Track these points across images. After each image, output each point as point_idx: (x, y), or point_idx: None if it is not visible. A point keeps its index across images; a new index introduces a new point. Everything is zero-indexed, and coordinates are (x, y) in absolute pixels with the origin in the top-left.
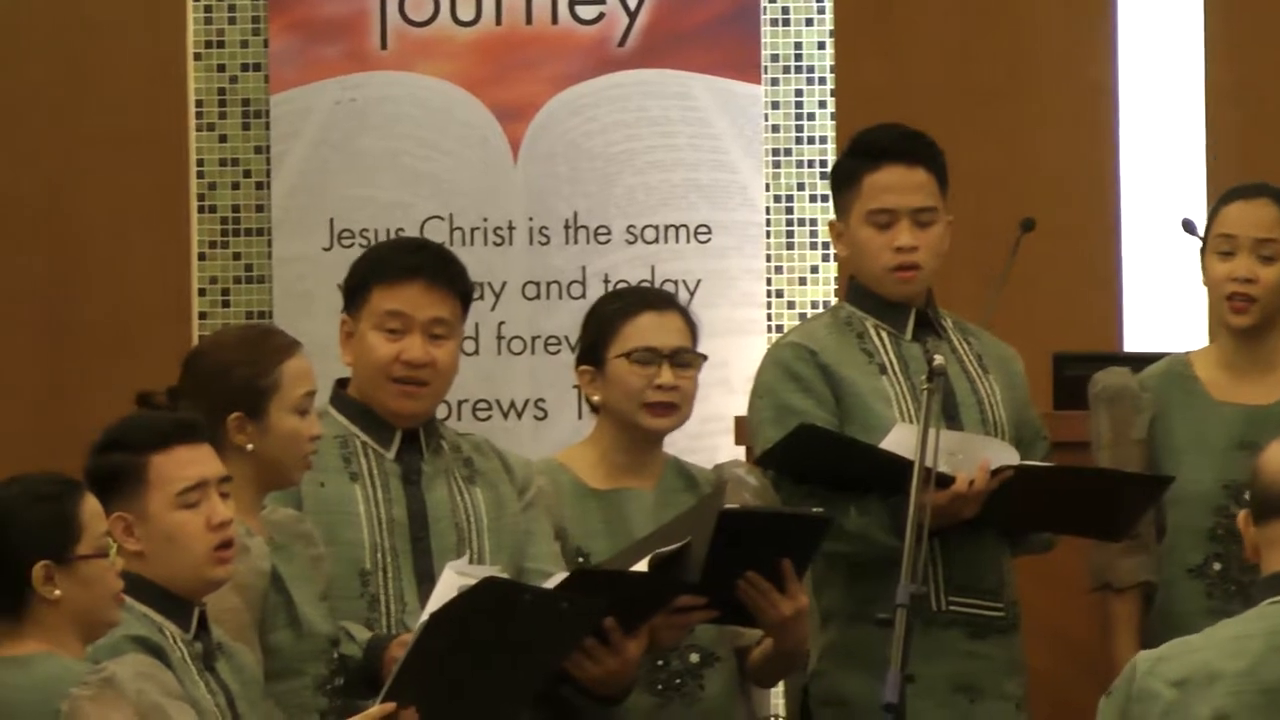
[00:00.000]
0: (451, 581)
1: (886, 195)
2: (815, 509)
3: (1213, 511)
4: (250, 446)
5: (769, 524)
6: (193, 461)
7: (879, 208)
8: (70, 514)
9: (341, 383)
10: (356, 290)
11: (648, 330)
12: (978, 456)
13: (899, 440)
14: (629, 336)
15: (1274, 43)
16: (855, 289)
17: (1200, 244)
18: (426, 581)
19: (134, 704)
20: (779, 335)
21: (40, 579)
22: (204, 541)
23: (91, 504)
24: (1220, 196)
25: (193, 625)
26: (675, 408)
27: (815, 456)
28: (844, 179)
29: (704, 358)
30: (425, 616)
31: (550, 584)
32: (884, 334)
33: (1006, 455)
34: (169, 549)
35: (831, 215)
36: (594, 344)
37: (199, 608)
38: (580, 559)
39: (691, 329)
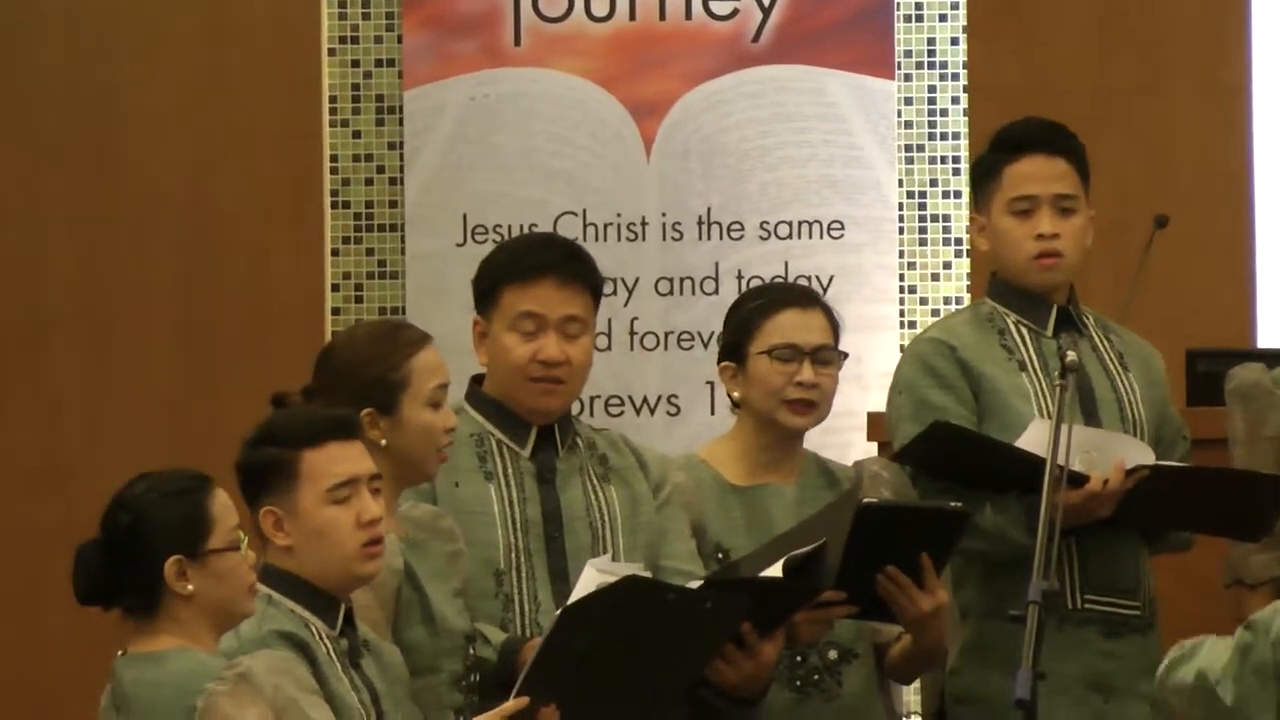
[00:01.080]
0: (592, 579)
1: (1028, 183)
2: (954, 503)
3: None
4: (383, 442)
5: (908, 518)
6: (345, 458)
7: (1020, 194)
8: (201, 509)
9: (477, 379)
10: (487, 291)
11: (789, 327)
12: (1113, 455)
13: (1035, 437)
14: (770, 333)
15: None
16: (997, 284)
17: None
18: (560, 581)
19: (269, 699)
20: (912, 331)
21: (173, 574)
22: (354, 538)
23: (222, 498)
24: None
25: (338, 622)
26: (815, 405)
27: (951, 454)
28: (985, 172)
29: (845, 355)
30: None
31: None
32: (1025, 330)
33: (1142, 454)
34: (318, 544)
35: (965, 211)
36: (736, 340)
37: (345, 604)
38: (720, 555)
39: (834, 326)
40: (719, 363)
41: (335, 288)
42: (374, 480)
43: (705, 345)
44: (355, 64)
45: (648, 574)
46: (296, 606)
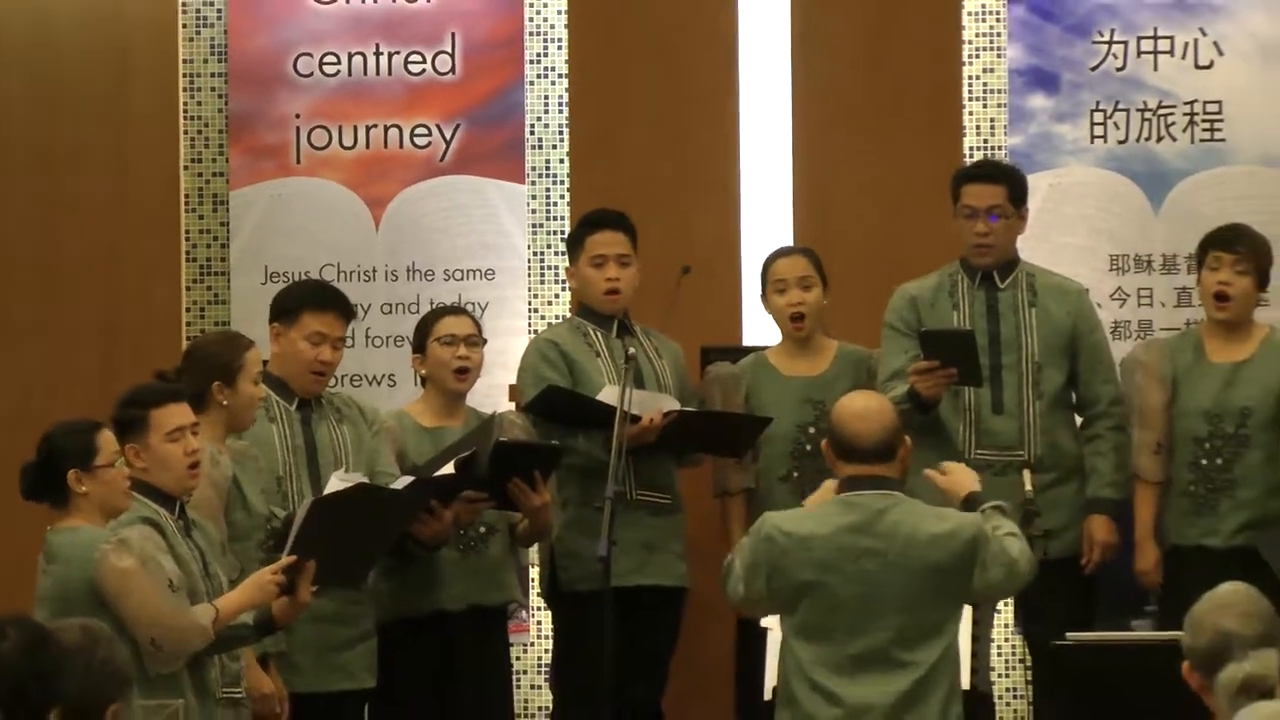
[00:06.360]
0: (336, 485)
1: (601, 247)
2: (553, 441)
3: (791, 441)
4: (225, 403)
5: (526, 451)
6: (177, 414)
7: (597, 254)
8: (91, 441)
9: (265, 362)
10: (292, 310)
11: (450, 325)
12: (655, 406)
13: (608, 396)
14: (439, 330)
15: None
16: (583, 308)
17: (760, 289)
18: (316, 484)
19: (138, 554)
20: (535, 335)
21: (73, 480)
22: (183, 463)
23: (106, 435)
24: (770, 255)
25: (177, 510)
26: (469, 372)
27: (558, 405)
28: (575, 240)
29: (485, 340)
30: (308, 503)
31: (396, 485)
32: (599, 334)
33: (673, 405)
34: (161, 467)
35: (567, 264)
36: (420, 340)
37: (180, 500)
38: (414, 470)
39: (476, 324)
40: (412, 354)
41: (188, 309)
42: (195, 427)
43: (412, 345)
44: (200, 174)
45: (368, 481)
46: (150, 503)
